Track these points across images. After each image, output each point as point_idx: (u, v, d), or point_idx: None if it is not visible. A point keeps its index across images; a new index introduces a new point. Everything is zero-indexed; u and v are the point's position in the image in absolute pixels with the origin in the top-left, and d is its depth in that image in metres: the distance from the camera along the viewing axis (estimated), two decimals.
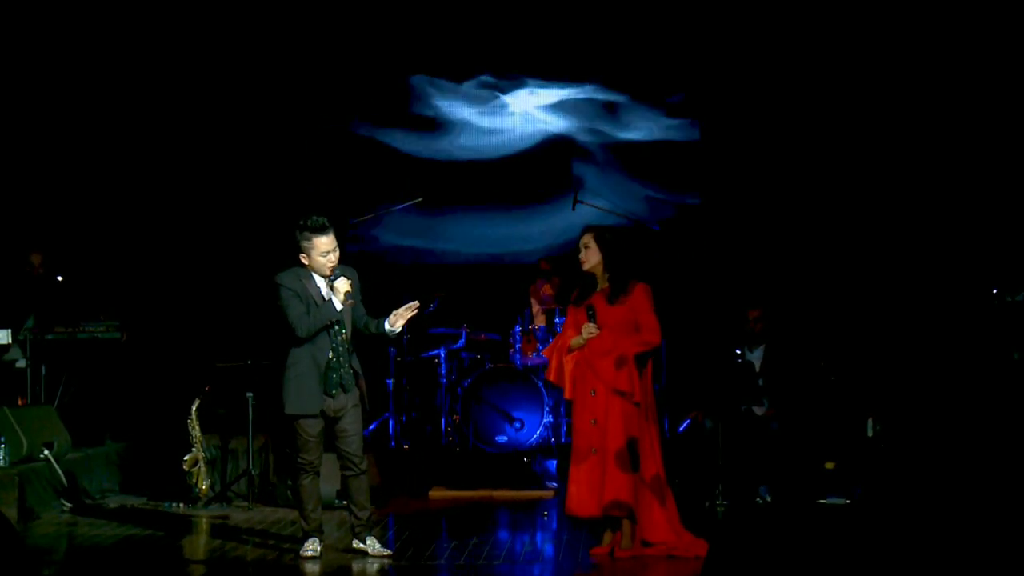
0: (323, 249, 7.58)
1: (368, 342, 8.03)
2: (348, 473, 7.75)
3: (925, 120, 11.33)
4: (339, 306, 7.58)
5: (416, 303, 7.70)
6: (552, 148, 12.21)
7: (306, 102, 12.10)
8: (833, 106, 11.50)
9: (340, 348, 7.65)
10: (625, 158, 12.13)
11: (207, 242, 11.87)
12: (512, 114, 12.22)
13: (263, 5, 11.91)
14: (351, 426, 7.69)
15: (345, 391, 7.66)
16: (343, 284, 7.58)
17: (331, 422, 7.66)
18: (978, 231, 11.07)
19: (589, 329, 7.71)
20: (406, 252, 12.26)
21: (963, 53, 11.17)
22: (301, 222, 7.62)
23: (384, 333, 7.74)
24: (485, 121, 12.21)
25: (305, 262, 7.64)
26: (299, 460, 7.69)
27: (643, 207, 11.93)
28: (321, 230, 7.58)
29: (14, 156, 11.65)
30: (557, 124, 12.20)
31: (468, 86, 12.22)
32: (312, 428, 7.64)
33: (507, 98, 12.20)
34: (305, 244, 7.60)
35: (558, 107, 12.20)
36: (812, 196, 11.54)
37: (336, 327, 7.63)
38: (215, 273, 11.83)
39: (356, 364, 7.74)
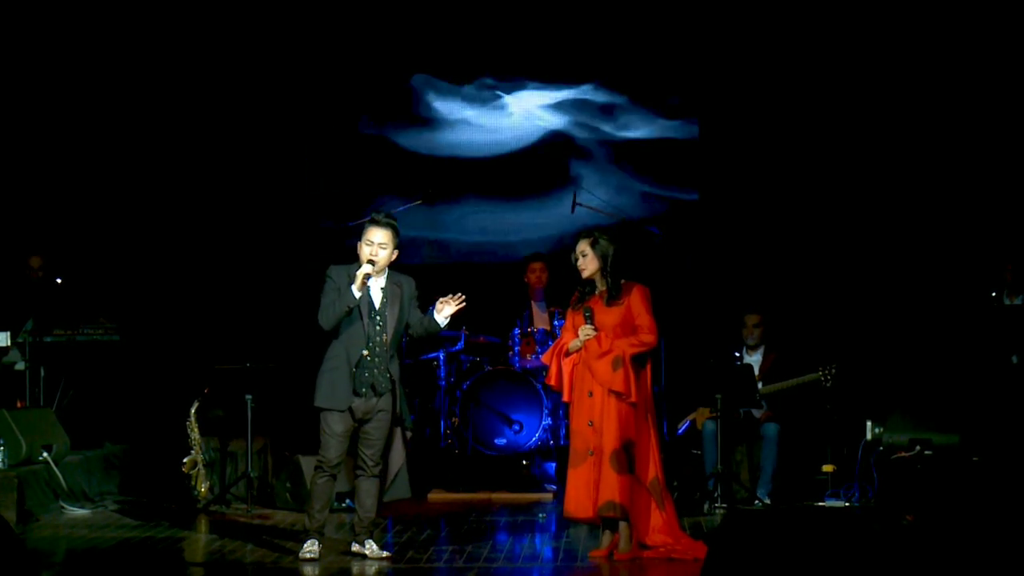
0: (367, 238, 7.61)
1: None
2: (359, 473, 7.75)
3: (923, 122, 11.33)
4: (357, 294, 7.55)
5: (462, 297, 7.70)
6: (551, 146, 12.19)
7: (307, 102, 12.09)
8: (831, 108, 11.49)
9: (377, 348, 7.62)
10: (623, 156, 12.13)
11: (206, 244, 11.86)
12: (512, 114, 12.21)
13: (264, 5, 11.91)
14: (376, 431, 7.67)
15: (377, 394, 7.62)
16: (364, 268, 7.57)
17: (358, 424, 7.66)
18: (977, 234, 11.07)
19: (585, 331, 7.72)
20: (407, 252, 12.22)
21: (963, 53, 11.17)
22: (372, 215, 7.75)
23: (437, 326, 7.75)
24: (485, 120, 12.20)
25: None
26: (319, 458, 7.68)
27: (641, 206, 11.91)
28: (374, 222, 7.64)
29: (14, 159, 11.64)
30: (556, 123, 12.19)
31: (468, 88, 12.22)
32: (336, 424, 7.60)
33: (507, 99, 12.20)
34: (363, 232, 7.66)
35: (557, 107, 12.19)
36: (810, 198, 11.54)
37: (376, 328, 7.59)
38: (214, 275, 11.82)
39: (394, 370, 7.69)
